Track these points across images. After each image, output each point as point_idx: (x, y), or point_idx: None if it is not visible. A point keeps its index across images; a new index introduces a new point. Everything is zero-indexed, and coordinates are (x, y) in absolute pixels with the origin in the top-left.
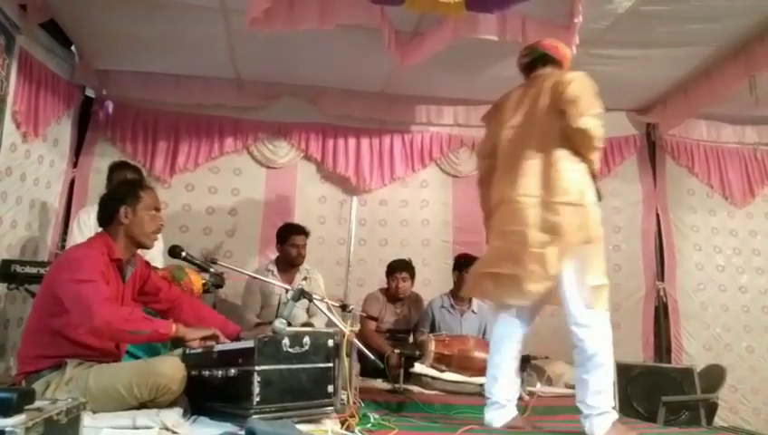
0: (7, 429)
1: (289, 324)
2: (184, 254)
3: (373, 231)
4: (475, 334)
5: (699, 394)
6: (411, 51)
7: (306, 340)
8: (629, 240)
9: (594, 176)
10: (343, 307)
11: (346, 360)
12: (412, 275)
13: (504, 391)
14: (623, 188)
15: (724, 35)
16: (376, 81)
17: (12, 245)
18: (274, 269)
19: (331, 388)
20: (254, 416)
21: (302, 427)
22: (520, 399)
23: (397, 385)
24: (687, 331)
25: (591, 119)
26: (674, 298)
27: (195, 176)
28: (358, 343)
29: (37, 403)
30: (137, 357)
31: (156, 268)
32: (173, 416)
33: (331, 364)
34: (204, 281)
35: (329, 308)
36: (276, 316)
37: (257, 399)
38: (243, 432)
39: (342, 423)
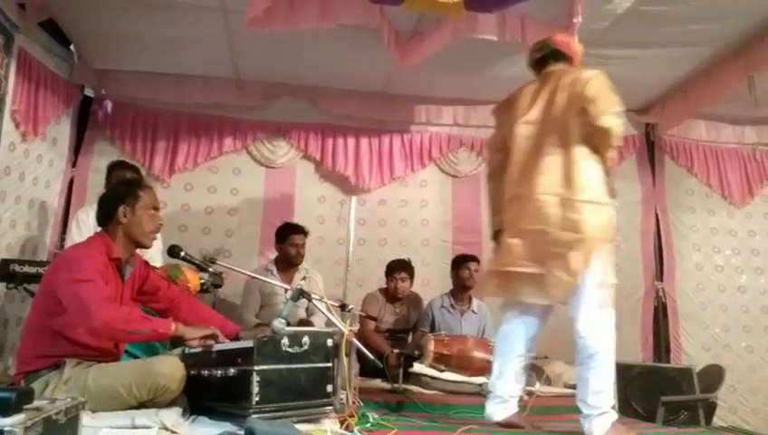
0: (6, 428)
1: (288, 324)
2: (183, 253)
3: (372, 231)
4: (474, 334)
5: (698, 394)
6: (411, 51)
7: (305, 340)
8: (628, 240)
9: (608, 174)
10: (342, 307)
11: (345, 360)
12: (411, 276)
13: (506, 387)
14: (622, 188)
15: (724, 36)
16: (375, 80)
17: (11, 244)
18: (274, 269)
19: (330, 388)
20: (254, 416)
21: (301, 426)
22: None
23: (396, 385)
24: (686, 331)
25: (613, 117)
26: (673, 298)
27: (194, 175)
28: (357, 342)
29: (36, 403)
30: (136, 357)
31: (153, 268)
32: (172, 416)
33: (330, 364)
34: (203, 281)
35: (328, 308)
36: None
37: (256, 398)
38: (242, 432)
39: (341, 423)
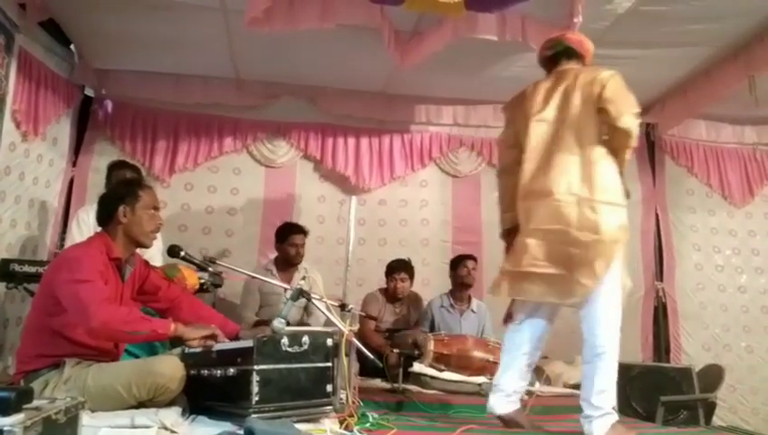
0: (5, 428)
1: (288, 324)
2: (183, 253)
3: (372, 231)
4: (474, 334)
5: (698, 394)
6: (411, 50)
7: (305, 339)
8: (628, 240)
9: (621, 174)
10: (342, 307)
11: (345, 359)
12: (411, 276)
13: (510, 382)
14: None
15: (724, 36)
16: (375, 80)
17: (11, 244)
18: (273, 269)
19: (329, 387)
20: (253, 415)
21: (300, 426)
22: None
23: (396, 385)
24: (686, 331)
25: (632, 118)
26: (673, 298)
27: (194, 175)
28: (357, 342)
29: (36, 402)
30: (136, 356)
31: (153, 267)
32: (172, 415)
33: (329, 364)
34: (202, 280)
35: (328, 308)
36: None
37: (256, 398)
38: (242, 432)
39: (341, 423)
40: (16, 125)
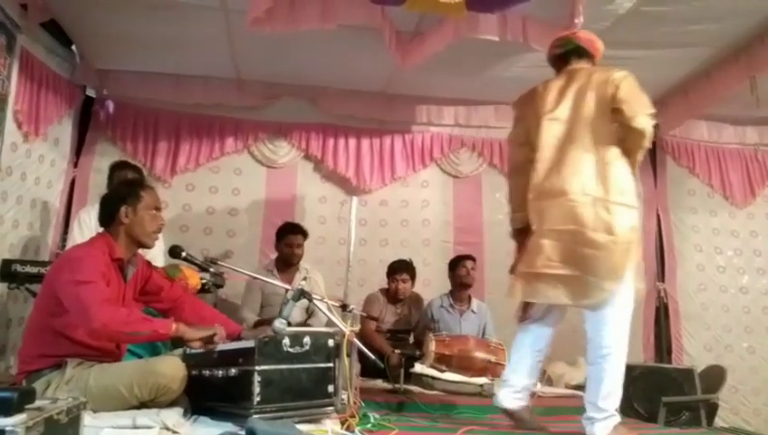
0: (8, 428)
1: (289, 324)
2: (184, 254)
3: (374, 231)
4: (474, 334)
5: (700, 395)
6: (412, 51)
7: (307, 340)
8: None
9: (633, 174)
10: (343, 307)
11: (346, 360)
12: (412, 276)
13: (518, 378)
14: None
15: (725, 36)
16: (376, 81)
17: (14, 244)
18: (274, 269)
19: (331, 388)
20: (255, 416)
21: (302, 427)
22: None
23: (397, 385)
24: (688, 331)
25: (646, 118)
26: (674, 299)
27: (195, 176)
28: (358, 343)
29: (38, 403)
30: (139, 356)
31: (155, 268)
32: (173, 416)
33: (331, 364)
34: (204, 281)
35: (329, 308)
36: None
37: (258, 398)
38: (243, 432)
39: (342, 423)
40: (18, 125)
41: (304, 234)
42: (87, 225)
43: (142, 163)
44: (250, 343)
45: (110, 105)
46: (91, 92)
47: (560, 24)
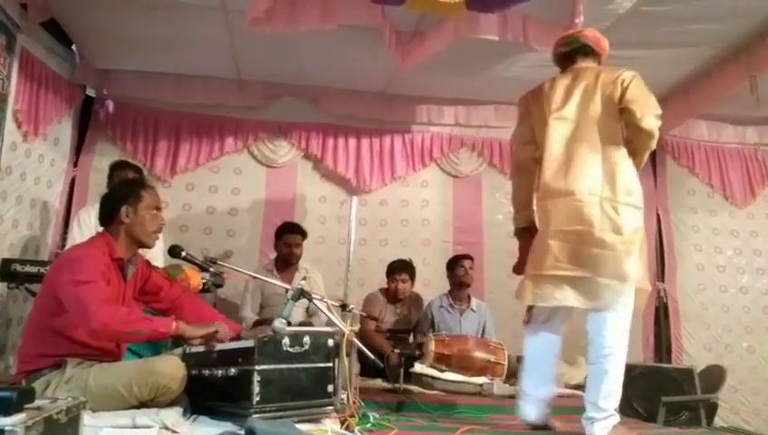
0: (7, 427)
1: (289, 324)
2: (184, 253)
3: (373, 231)
4: (474, 334)
5: (699, 395)
6: (412, 51)
7: (306, 339)
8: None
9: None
10: (343, 307)
11: (346, 359)
12: (412, 276)
13: (534, 388)
14: None
15: (725, 36)
16: (377, 81)
17: (13, 244)
18: (273, 269)
19: (330, 387)
20: (254, 415)
21: (301, 426)
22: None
23: (397, 385)
24: (688, 331)
25: (654, 119)
26: (674, 299)
27: (195, 175)
28: (358, 342)
29: (37, 402)
30: (140, 355)
31: (155, 268)
32: (173, 415)
33: (330, 364)
34: (204, 280)
35: (329, 308)
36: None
37: (257, 398)
38: (243, 432)
39: (342, 423)
40: (18, 125)
41: (303, 233)
42: (87, 224)
43: (142, 163)
44: (249, 343)
45: (110, 105)
46: (90, 92)
47: (560, 23)
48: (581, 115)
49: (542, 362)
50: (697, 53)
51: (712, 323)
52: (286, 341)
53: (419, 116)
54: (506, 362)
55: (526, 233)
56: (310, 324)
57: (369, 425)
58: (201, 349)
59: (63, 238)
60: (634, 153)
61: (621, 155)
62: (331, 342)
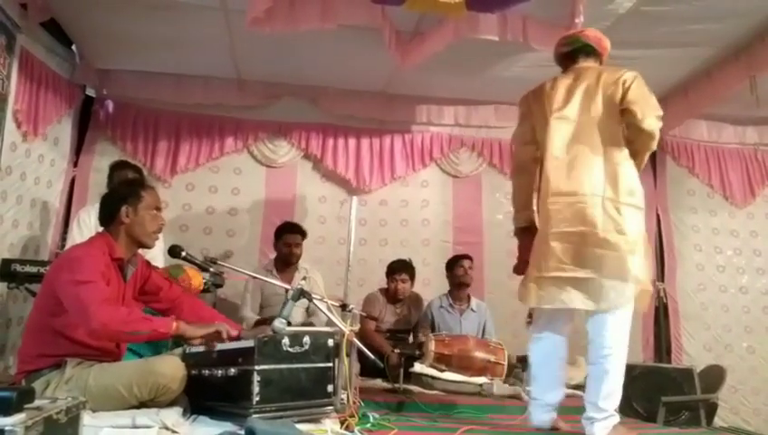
0: (7, 427)
1: (289, 324)
2: (184, 253)
3: (373, 231)
4: (474, 333)
5: (699, 395)
6: (412, 51)
7: (306, 339)
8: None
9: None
10: (343, 307)
11: (346, 359)
12: (412, 276)
13: (543, 392)
14: None
15: (725, 36)
16: (376, 81)
17: (13, 244)
18: (273, 269)
19: (330, 387)
20: (254, 415)
21: (301, 426)
22: (520, 399)
23: (396, 385)
24: (687, 331)
25: (655, 120)
26: (674, 299)
27: (195, 175)
28: (358, 342)
29: (37, 402)
30: (140, 355)
31: (155, 268)
32: (173, 415)
33: (330, 364)
34: (204, 280)
35: (328, 308)
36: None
37: (257, 398)
38: (242, 432)
39: (342, 423)
40: (17, 125)
41: (302, 233)
42: (86, 224)
43: (142, 163)
44: (249, 343)
45: (110, 105)
46: (90, 92)
47: (560, 23)
48: (583, 115)
49: (549, 365)
50: (697, 52)
51: (712, 323)
52: (286, 341)
53: (419, 116)
54: (506, 362)
55: (526, 233)
56: (310, 324)
57: (368, 425)
58: (201, 349)
59: (63, 238)
60: (634, 154)
61: (623, 155)
62: (330, 342)
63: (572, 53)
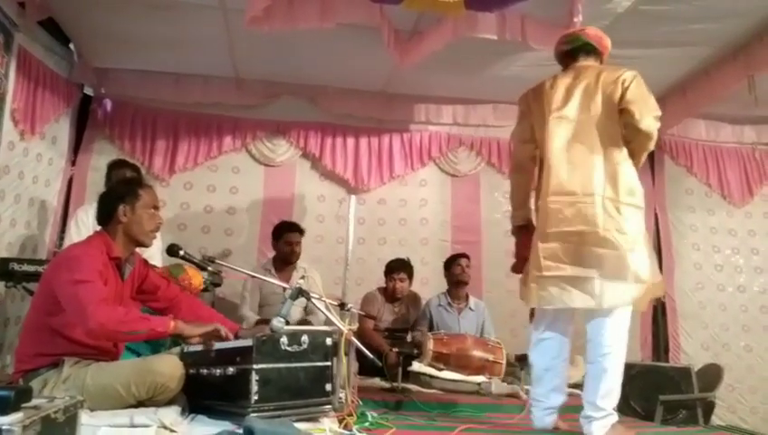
0: (4, 427)
1: (287, 323)
2: (182, 252)
3: (372, 230)
4: (473, 332)
5: (697, 393)
6: (410, 50)
7: (304, 338)
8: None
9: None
10: (341, 306)
11: (344, 358)
12: (410, 275)
13: (544, 394)
14: None
15: (724, 35)
16: (375, 80)
17: (11, 243)
18: (272, 268)
19: (329, 386)
20: (253, 414)
21: (300, 425)
22: (518, 398)
23: (395, 384)
24: (685, 330)
25: (654, 120)
26: (672, 298)
27: (193, 174)
28: (356, 341)
29: (34, 401)
30: (138, 354)
31: (154, 267)
32: (171, 414)
33: (329, 363)
34: (203, 279)
35: (327, 307)
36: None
37: (255, 397)
38: (241, 431)
39: (340, 422)
40: (15, 124)
41: (301, 231)
42: (84, 223)
43: (140, 162)
44: (248, 342)
45: (108, 104)
46: (88, 91)
47: (558, 23)
48: (582, 115)
49: (554, 368)
50: (696, 52)
51: (709, 322)
52: (284, 340)
53: (418, 115)
54: (504, 361)
55: (524, 231)
56: (308, 323)
57: (367, 424)
58: (199, 348)
59: (61, 237)
60: (632, 154)
61: (623, 155)
62: (329, 341)
63: (573, 52)
